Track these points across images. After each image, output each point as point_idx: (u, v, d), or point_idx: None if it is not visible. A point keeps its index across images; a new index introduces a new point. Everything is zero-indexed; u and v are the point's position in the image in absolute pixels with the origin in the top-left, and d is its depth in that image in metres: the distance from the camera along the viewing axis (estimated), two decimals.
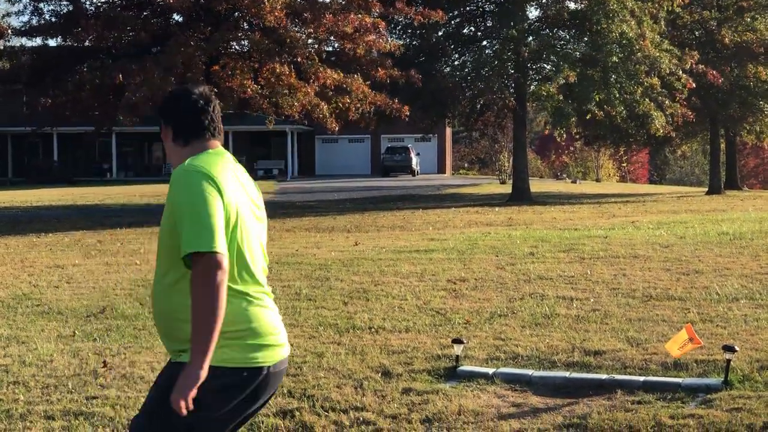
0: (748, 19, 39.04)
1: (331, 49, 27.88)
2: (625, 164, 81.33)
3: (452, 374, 7.16)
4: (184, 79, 24.13)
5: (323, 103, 24.85)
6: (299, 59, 24.89)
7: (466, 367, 7.36)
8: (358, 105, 25.77)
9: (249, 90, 24.09)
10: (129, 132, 52.08)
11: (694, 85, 32.94)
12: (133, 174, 61.44)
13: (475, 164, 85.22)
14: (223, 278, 3.52)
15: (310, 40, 26.22)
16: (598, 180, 67.70)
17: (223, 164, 3.78)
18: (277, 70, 24.08)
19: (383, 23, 26.52)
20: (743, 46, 38.25)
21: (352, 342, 8.24)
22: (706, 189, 43.77)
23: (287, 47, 24.64)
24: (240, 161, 3.73)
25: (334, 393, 6.69)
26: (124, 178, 59.43)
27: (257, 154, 61.23)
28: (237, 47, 26.86)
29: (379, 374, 7.19)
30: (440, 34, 34.40)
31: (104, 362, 7.59)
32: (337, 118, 25.81)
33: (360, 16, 25.07)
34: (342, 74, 25.18)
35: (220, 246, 3.53)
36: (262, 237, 3.92)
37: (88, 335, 8.74)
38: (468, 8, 34.53)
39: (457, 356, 7.34)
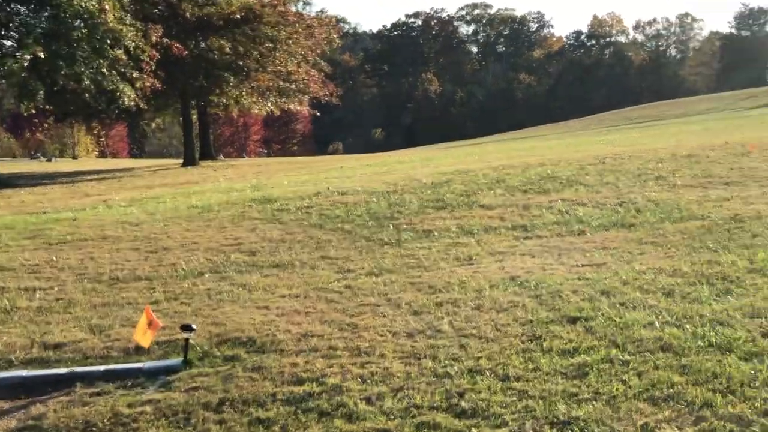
0: None
1: None
2: (103, 139, 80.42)
3: None
4: None
5: None
6: None
7: None
8: None
9: None
10: None
11: (158, 55, 33.13)
12: None
13: None
14: None
15: None
16: (75, 157, 66.30)
17: None
18: None
19: None
20: (205, 19, 39.27)
21: None
22: (182, 161, 44.53)
23: None
24: None
25: None
26: None
27: None
28: None
29: None
30: None
31: None
32: None
33: None
34: None
35: None
36: None
37: None
38: None
39: None
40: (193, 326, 6.87)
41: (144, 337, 6.81)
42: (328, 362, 6.38)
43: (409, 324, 7.18)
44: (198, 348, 6.92)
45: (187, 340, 6.76)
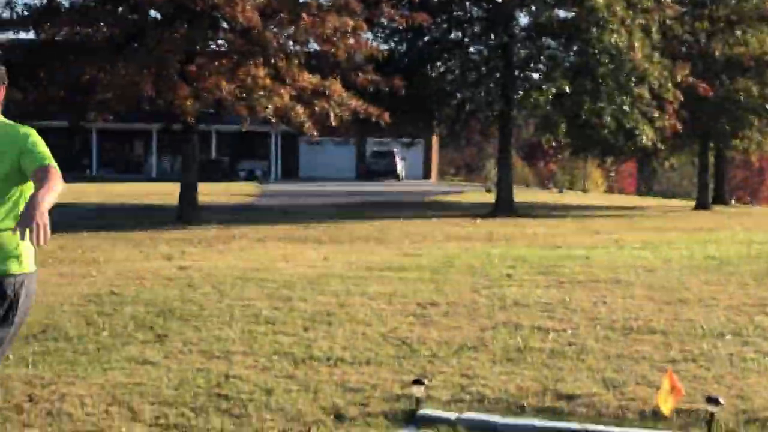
0: (739, 33, 38.58)
1: (311, 51, 27.12)
2: (612, 174, 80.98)
3: (411, 418, 6.50)
4: (159, 78, 23.50)
5: (299, 107, 24.27)
6: (276, 61, 24.26)
7: (426, 411, 6.69)
8: (338, 110, 25.14)
9: (224, 91, 23.45)
10: (110, 128, 51.40)
11: (681, 98, 32.45)
12: (113, 171, 60.63)
13: (461, 170, 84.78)
14: None
15: (289, 42, 25.57)
16: (584, 190, 67.25)
17: None
18: (253, 72, 23.46)
19: (364, 26, 25.92)
20: (733, 59, 37.80)
21: (307, 376, 7.57)
22: (694, 203, 43.27)
23: (263, 48, 23.97)
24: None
25: None
26: (104, 174, 58.61)
27: (240, 155, 60.50)
28: (214, 47, 26.19)
29: (331, 417, 6.53)
30: (426, 39, 33.77)
31: (30, 396, 6.90)
32: (316, 122, 25.19)
33: (341, 17, 24.42)
34: (320, 78, 24.59)
35: None
36: None
37: (22, 359, 8.04)
38: (455, 13, 33.93)
39: (417, 398, 6.68)
40: (721, 400, 6.17)
41: (665, 404, 6.23)
42: None
43: None
44: (722, 424, 6.19)
45: (712, 414, 6.07)
